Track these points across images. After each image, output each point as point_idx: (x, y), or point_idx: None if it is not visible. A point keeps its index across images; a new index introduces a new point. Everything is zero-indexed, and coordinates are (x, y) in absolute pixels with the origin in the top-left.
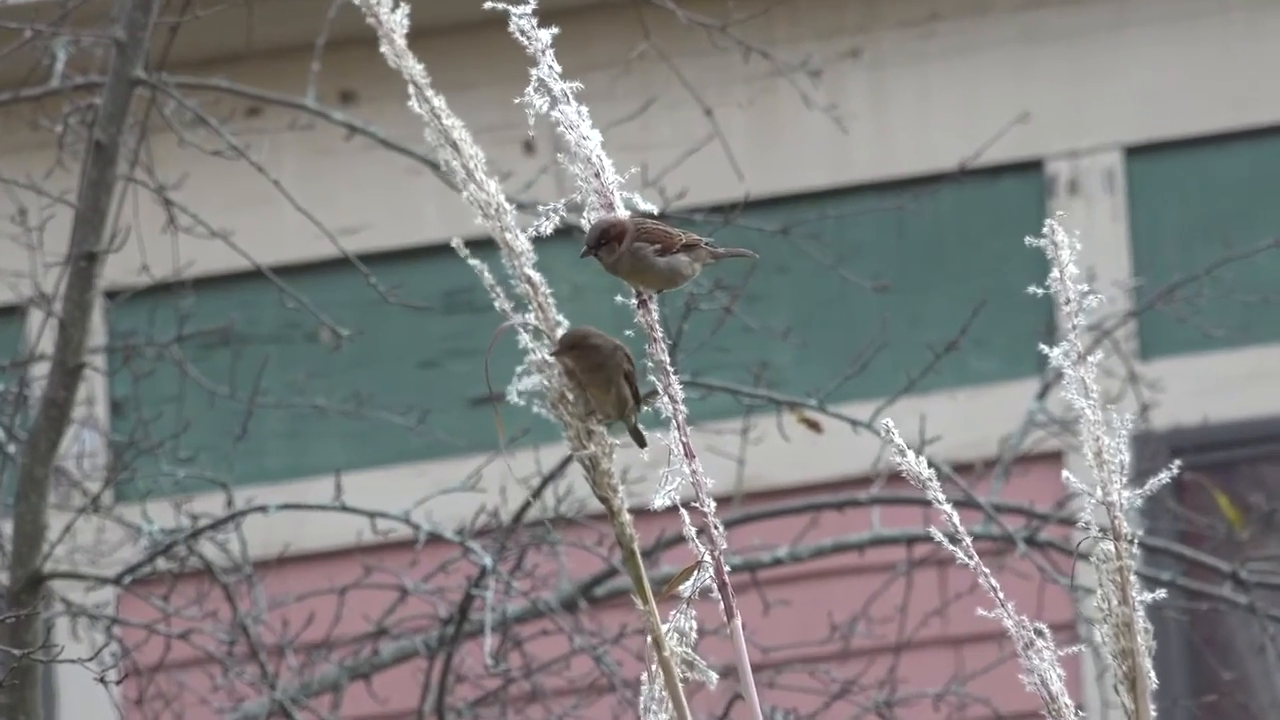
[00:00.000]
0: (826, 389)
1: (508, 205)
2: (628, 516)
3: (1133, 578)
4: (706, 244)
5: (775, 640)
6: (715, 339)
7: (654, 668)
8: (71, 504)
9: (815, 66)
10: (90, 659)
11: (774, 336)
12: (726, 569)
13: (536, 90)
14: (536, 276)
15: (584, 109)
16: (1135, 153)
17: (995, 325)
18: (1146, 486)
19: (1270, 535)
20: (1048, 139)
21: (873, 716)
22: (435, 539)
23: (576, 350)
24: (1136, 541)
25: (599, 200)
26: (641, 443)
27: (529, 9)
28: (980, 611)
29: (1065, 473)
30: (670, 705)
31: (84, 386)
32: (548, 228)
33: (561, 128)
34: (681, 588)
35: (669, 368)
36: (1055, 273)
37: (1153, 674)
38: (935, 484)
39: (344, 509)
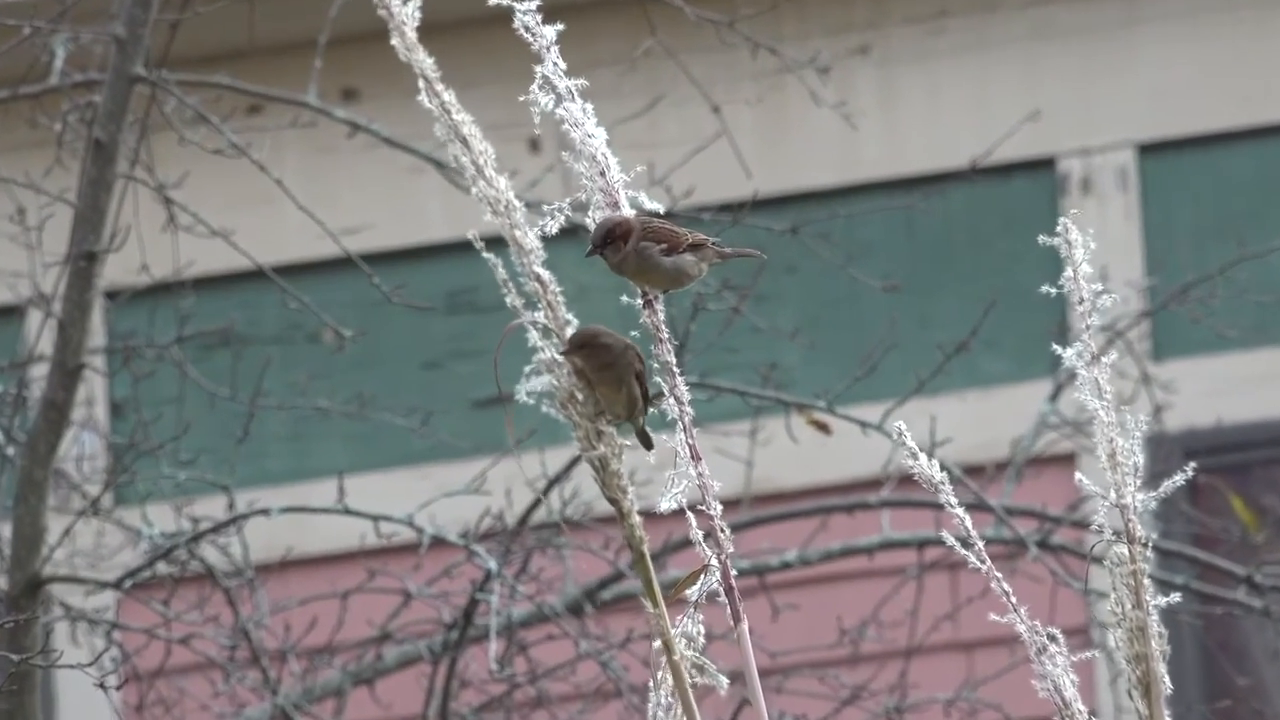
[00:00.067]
0: (835, 390)
1: (517, 202)
2: (638, 518)
3: (1146, 581)
4: (713, 243)
5: (783, 645)
6: (723, 339)
7: (661, 673)
8: (71, 507)
9: (824, 63)
10: (90, 664)
11: (782, 337)
12: (733, 572)
13: (541, 88)
14: (546, 274)
15: (589, 106)
16: (1148, 151)
17: (1007, 325)
18: (1160, 489)
19: None
20: (1059, 137)
21: None
22: (439, 542)
23: (587, 349)
24: (1150, 545)
25: (604, 199)
26: (648, 445)
27: (533, 5)
28: (992, 616)
29: (1078, 475)
30: (679, 710)
31: (83, 388)
32: (553, 227)
33: (566, 125)
34: (688, 591)
35: (675, 369)
36: (1068, 272)
37: (1167, 679)
38: (947, 487)
39: (347, 512)
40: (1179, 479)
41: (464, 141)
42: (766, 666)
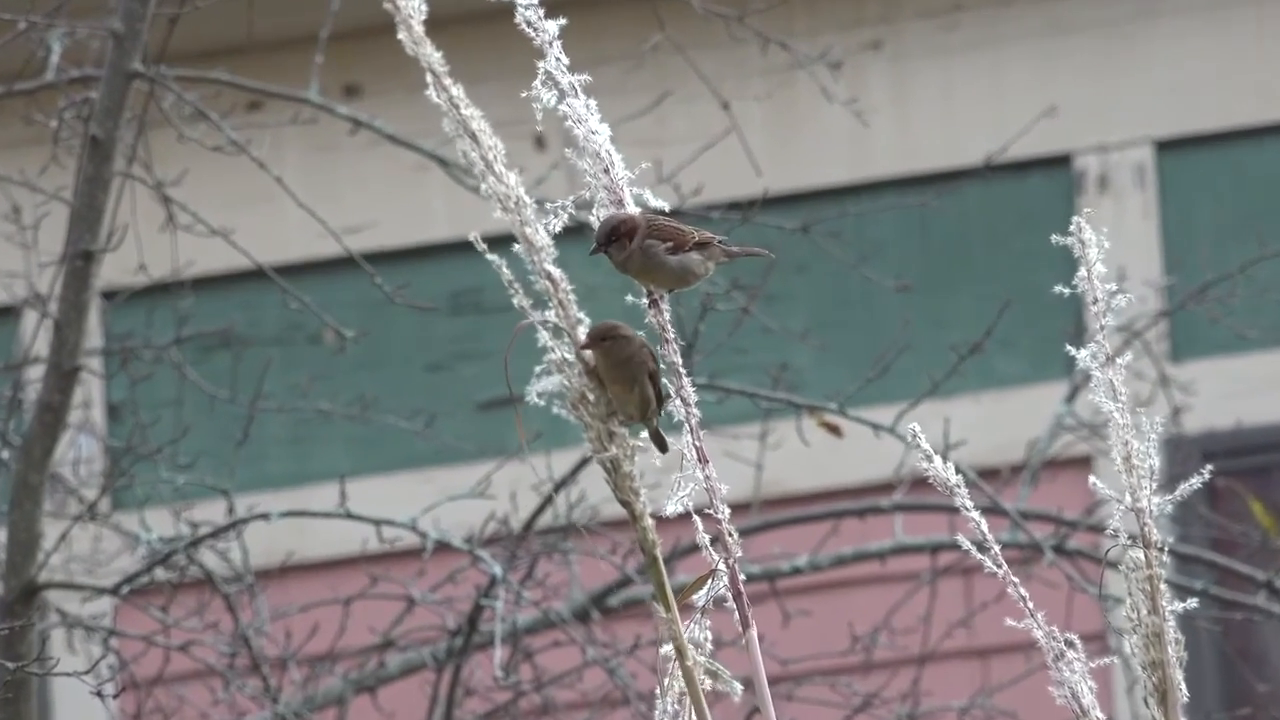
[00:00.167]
0: (847, 392)
1: (527, 199)
2: (650, 521)
3: (1163, 587)
4: (720, 242)
5: (794, 652)
6: (732, 340)
7: (668, 680)
8: (67, 512)
9: (835, 59)
10: (87, 672)
11: (793, 338)
12: (742, 577)
13: (544, 83)
14: (557, 272)
15: (593, 102)
16: (1166, 147)
17: (1022, 326)
18: (1178, 492)
19: None
20: (1076, 133)
21: None
22: (443, 547)
23: (607, 342)
24: (1167, 549)
25: (608, 197)
26: (663, 447)
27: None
28: (1009, 622)
29: (1093, 478)
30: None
31: (80, 390)
32: (556, 225)
33: (569, 122)
34: (694, 597)
35: (681, 370)
36: (1082, 271)
37: (1184, 686)
38: (962, 490)
39: (349, 516)
40: (1197, 481)
41: (473, 137)
42: (777, 674)
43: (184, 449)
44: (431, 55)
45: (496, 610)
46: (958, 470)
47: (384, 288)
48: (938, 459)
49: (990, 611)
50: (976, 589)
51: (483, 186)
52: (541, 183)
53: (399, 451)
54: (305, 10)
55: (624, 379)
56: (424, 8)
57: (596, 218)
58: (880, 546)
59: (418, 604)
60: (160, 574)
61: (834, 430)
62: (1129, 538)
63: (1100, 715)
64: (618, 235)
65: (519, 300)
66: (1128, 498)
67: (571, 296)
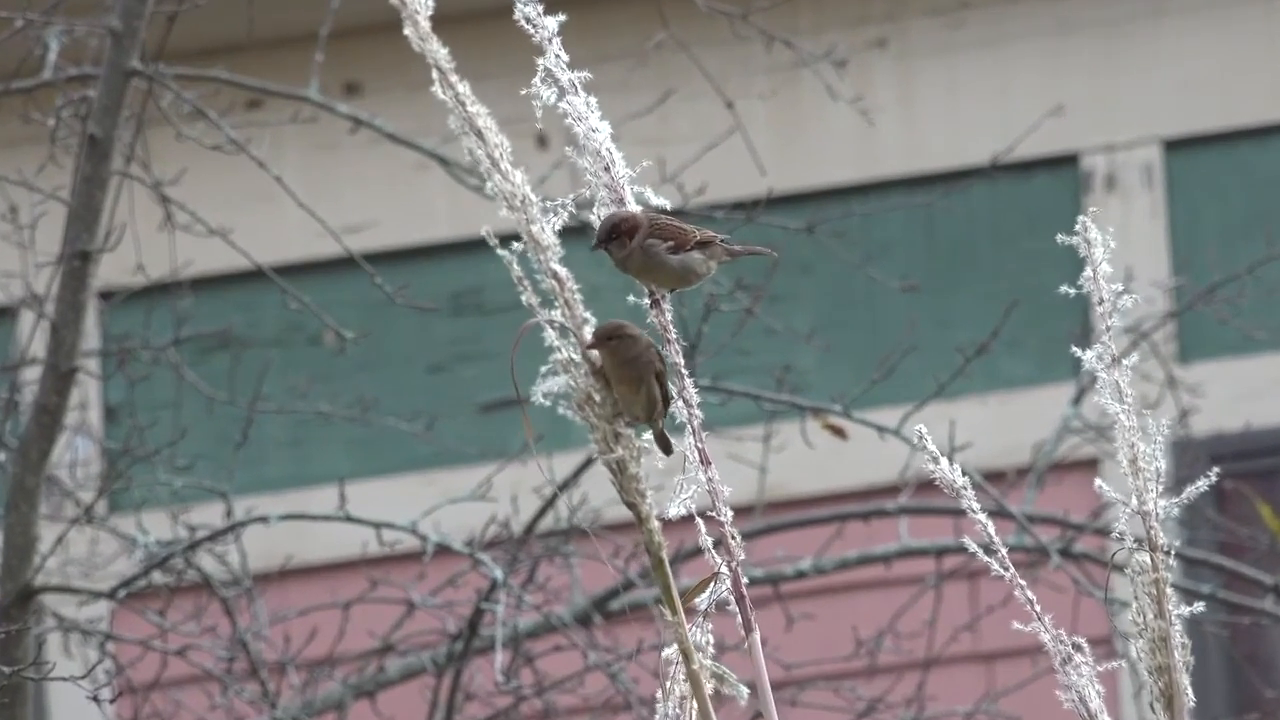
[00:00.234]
0: (852, 394)
1: (534, 197)
2: (656, 523)
3: (1170, 591)
4: (723, 241)
5: (798, 656)
6: (736, 341)
7: (669, 684)
8: (64, 515)
9: (840, 57)
10: (83, 676)
11: (797, 339)
12: (745, 581)
13: (544, 80)
14: (563, 271)
15: (593, 100)
16: (1174, 146)
17: (1028, 327)
18: (1185, 495)
19: None
20: (1083, 133)
21: None
22: (443, 551)
23: (614, 341)
24: (1174, 553)
25: (609, 195)
26: (667, 449)
27: None
28: (1015, 625)
29: (1100, 481)
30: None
31: (77, 392)
32: (555, 224)
33: (569, 120)
34: (697, 600)
35: (684, 371)
36: (1088, 272)
37: (1190, 692)
38: (969, 492)
39: (348, 519)
40: (1204, 485)
41: (479, 134)
42: (780, 678)
43: (182, 451)
44: (438, 52)
45: (497, 614)
46: (963, 473)
47: (384, 288)
48: (944, 460)
49: (996, 616)
50: (982, 593)
51: (488, 184)
52: (544, 182)
53: (399, 454)
54: (305, 8)
55: (630, 379)
56: (430, 3)
57: (597, 216)
58: (885, 550)
59: (418, 608)
60: (158, 577)
61: (838, 432)
62: (1135, 541)
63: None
64: (619, 233)
65: (527, 298)
66: (1134, 501)
67: (578, 296)
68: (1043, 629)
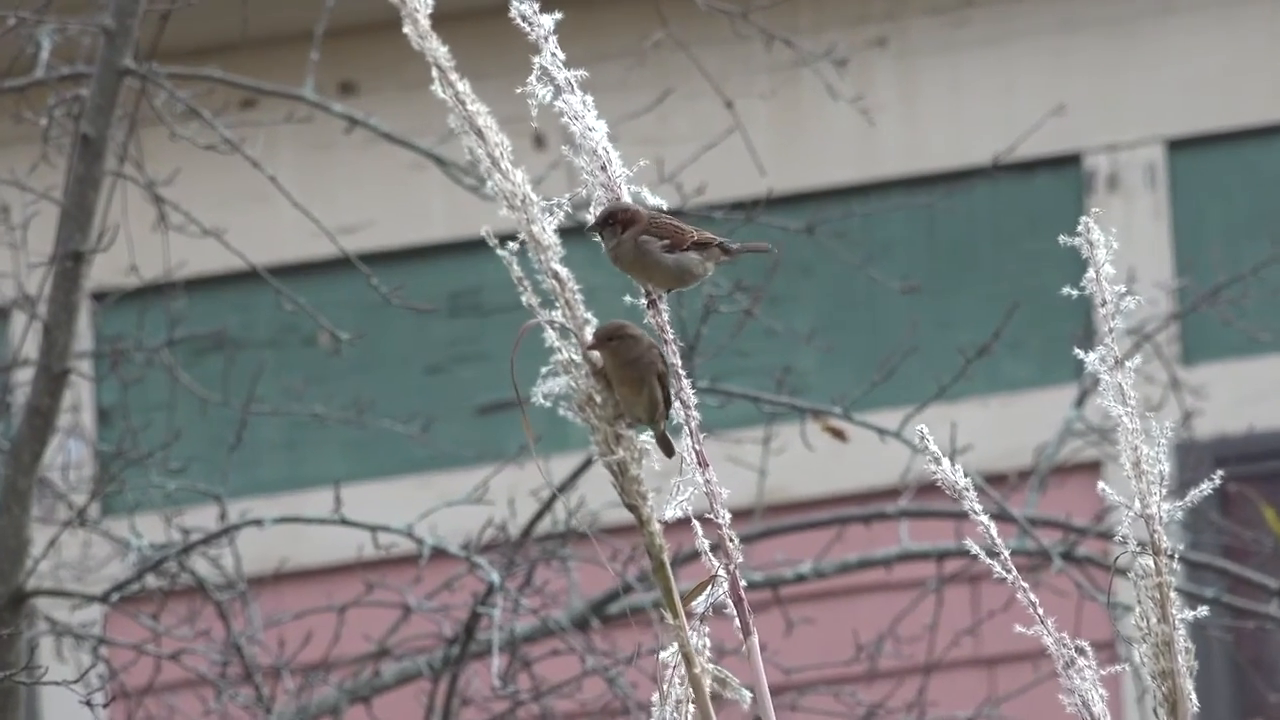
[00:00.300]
0: (852, 396)
1: (534, 196)
2: (658, 526)
3: (1173, 595)
4: (720, 244)
5: (798, 661)
6: (735, 343)
7: (667, 687)
8: (56, 517)
9: (841, 56)
10: (76, 681)
11: (797, 340)
12: (744, 584)
13: (540, 79)
14: (564, 271)
15: (589, 99)
16: (1178, 146)
17: (1030, 328)
18: (1188, 498)
19: None
20: (1086, 132)
21: None
22: (440, 554)
23: (615, 342)
24: (1177, 556)
25: (606, 195)
26: (668, 451)
27: None
28: (1018, 629)
29: (1102, 484)
30: None
31: (69, 393)
32: (551, 223)
33: (565, 118)
34: (694, 603)
35: (681, 372)
36: (1090, 273)
37: (1194, 696)
38: (970, 494)
39: (344, 522)
40: (1208, 488)
41: (479, 133)
42: (780, 683)
43: (176, 453)
44: (437, 50)
45: (494, 618)
46: (964, 475)
47: (380, 289)
48: (945, 463)
49: (997, 620)
50: (983, 597)
51: (489, 183)
52: (540, 182)
53: (395, 456)
54: (300, 6)
55: (632, 380)
56: (429, 1)
57: (593, 216)
58: (885, 553)
59: (414, 612)
60: (151, 581)
61: (839, 435)
62: (1139, 544)
63: None
64: (614, 221)
65: (527, 298)
66: (1137, 504)
67: (579, 296)
68: (1045, 633)
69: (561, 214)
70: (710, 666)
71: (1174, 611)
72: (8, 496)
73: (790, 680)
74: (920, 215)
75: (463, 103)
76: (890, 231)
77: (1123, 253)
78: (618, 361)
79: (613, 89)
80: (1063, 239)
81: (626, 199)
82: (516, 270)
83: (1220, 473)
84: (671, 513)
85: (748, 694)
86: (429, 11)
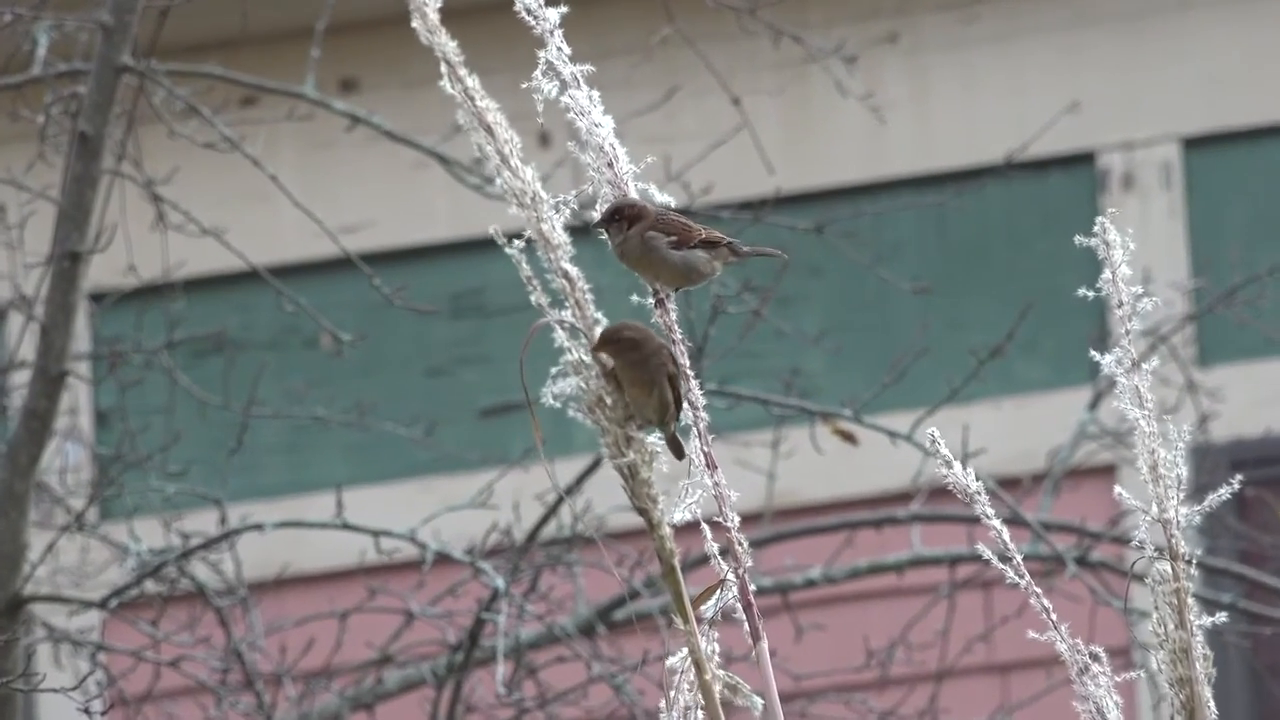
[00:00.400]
0: (863, 398)
1: (544, 194)
2: (668, 529)
3: (1191, 600)
4: (729, 244)
5: (808, 667)
6: (744, 344)
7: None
8: (54, 522)
9: (850, 52)
10: (74, 688)
11: (806, 342)
12: (753, 589)
13: (545, 74)
14: (574, 270)
15: (595, 94)
16: (1194, 144)
17: (1044, 330)
18: (1205, 503)
19: None
20: (1100, 130)
21: None
22: (443, 559)
23: (625, 342)
24: (1195, 561)
25: (612, 191)
26: (679, 453)
27: None
28: (1031, 634)
29: (1118, 488)
30: None
31: (67, 396)
32: (557, 221)
33: (571, 114)
34: (703, 609)
35: (689, 372)
36: (1106, 274)
37: (1212, 703)
38: (983, 498)
39: (346, 527)
40: (1225, 492)
41: (489, 130)
42: (790, 690)
43: (175, 457)
44: (446, 45)
45: (498, 624)
46: (977, 479)
47: (382, 289)
48: (957, 466)
49: (1010, 626)
50: (996, 602)
51: (498, 181)
52: (546, 180)
53: (398, 460)
54: (301, 2)
55: (643, 381)
56: None
57: (599, 213)
58: (897, 558)
59: (417, 618)
60: (150, 586)
61: (849, 438)
62: (1155, 549)
63: None
64: (620, 216)
65: (536, 298)
66: (1154, 508)
67: (589, 296)
68: (1059, 639)
69: (567, 212)
70: (721, 673)
71: (1192, 617)
72: (5, 500)
73: (800, 687)
74: (931, 215)
75: (472, 99)
76: (900, 231)
77: (1138, 253)
78: (628, 362)
79: (619, 86)
80: (1078, 239)
81: (633, 196)
82: (526, 269)
83: (1238, 477)
84: (680, 515)
85: (760, 701)
86: (439, 5)
